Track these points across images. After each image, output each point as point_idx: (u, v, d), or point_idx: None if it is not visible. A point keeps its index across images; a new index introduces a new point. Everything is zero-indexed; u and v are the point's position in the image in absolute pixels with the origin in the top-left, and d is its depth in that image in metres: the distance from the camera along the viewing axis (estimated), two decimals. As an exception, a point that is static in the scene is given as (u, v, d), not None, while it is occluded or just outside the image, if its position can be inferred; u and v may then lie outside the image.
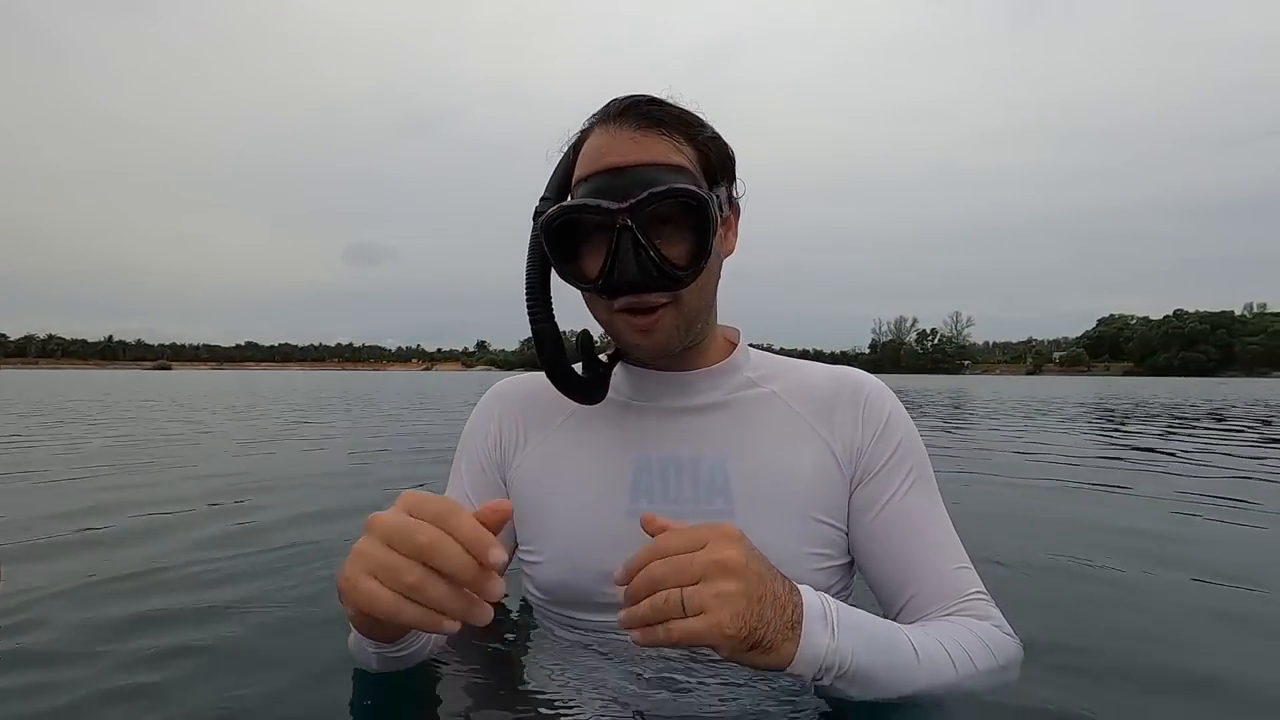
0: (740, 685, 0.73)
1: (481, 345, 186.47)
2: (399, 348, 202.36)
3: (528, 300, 0.78)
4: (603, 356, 0.84)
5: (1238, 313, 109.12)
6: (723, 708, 0.70)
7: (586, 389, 0.80)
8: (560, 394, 0.81)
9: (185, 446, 3.98)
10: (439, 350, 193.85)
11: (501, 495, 0.88)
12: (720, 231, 0.76)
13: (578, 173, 0.75)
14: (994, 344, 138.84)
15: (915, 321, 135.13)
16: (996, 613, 0.75)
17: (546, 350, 0.79)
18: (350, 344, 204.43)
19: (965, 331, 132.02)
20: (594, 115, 0.77)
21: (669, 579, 0.55)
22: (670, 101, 0.75)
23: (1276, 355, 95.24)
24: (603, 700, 0.72)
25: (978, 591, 0.76)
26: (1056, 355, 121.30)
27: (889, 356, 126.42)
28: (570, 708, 0.71)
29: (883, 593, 0.79)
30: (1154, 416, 7.33)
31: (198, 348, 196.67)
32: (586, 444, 0.84)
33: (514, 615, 0.98)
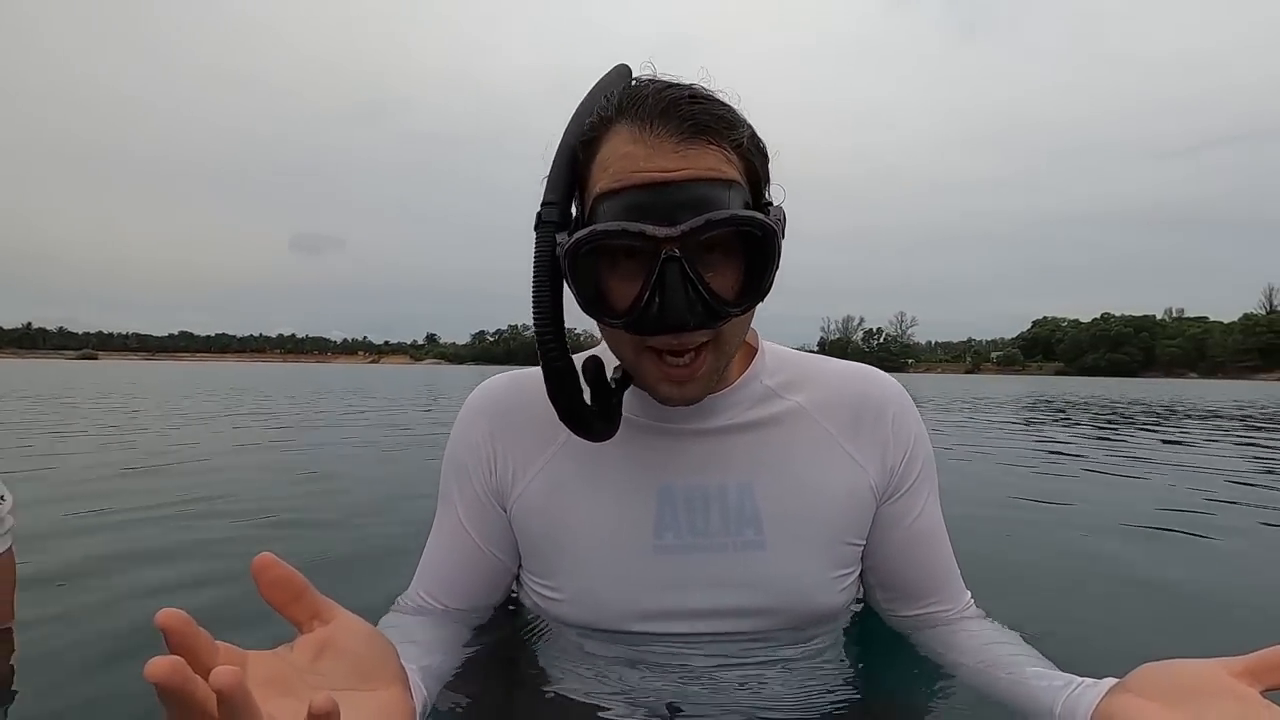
0: (766, 685, 0.73)
1: (431, 338, 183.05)
2: (344, 339, 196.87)
3: (538, 330, 0.64)
4: (611, 379, 0.70)
5: (1159, 317, 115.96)
6: (752, 702, 0.70)
7: (597, 424, 0.68)
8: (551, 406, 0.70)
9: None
10: (386, 343, 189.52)
11: (503, 526, 0.79)
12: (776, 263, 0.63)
13: (603, 183, 0.60)
14: (936, 343, 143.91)
15: (862, 320, 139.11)
16: (975, 606, 0.82)
17: (565, 395, 0.66)
18: (293, 335, 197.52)
19: (909, 331, 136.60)
20: (611, 103, 0.62)
21: None
22: (710, 94, 0.61)
23: (1192, 357, 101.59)
24: (629, 699, 0.70)
25: (967, 593, 0.82)
26: (994, 355, 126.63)
27: (836, 354, 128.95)
28: (598, 706, 0.70)
29: (899, 594, 0.80)
30: (1075, 409, 7.78)
31: (127, 337, 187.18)
32: (600, 471, 0.75)
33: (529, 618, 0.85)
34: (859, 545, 0.78)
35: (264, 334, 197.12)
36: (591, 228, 0.59)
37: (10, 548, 0.83)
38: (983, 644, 0.72)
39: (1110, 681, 0.54)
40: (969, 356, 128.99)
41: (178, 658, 0.29)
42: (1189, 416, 7.65)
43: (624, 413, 0.74)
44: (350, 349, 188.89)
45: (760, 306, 0.65)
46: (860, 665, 0.78)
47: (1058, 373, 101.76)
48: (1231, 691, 0.46)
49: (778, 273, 0.63)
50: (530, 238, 0.64)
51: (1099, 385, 27.52)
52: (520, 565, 0.81)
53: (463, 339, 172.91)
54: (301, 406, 7.23)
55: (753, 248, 0.61)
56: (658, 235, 0.57)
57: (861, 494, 0.76)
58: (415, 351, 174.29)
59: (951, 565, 0.81)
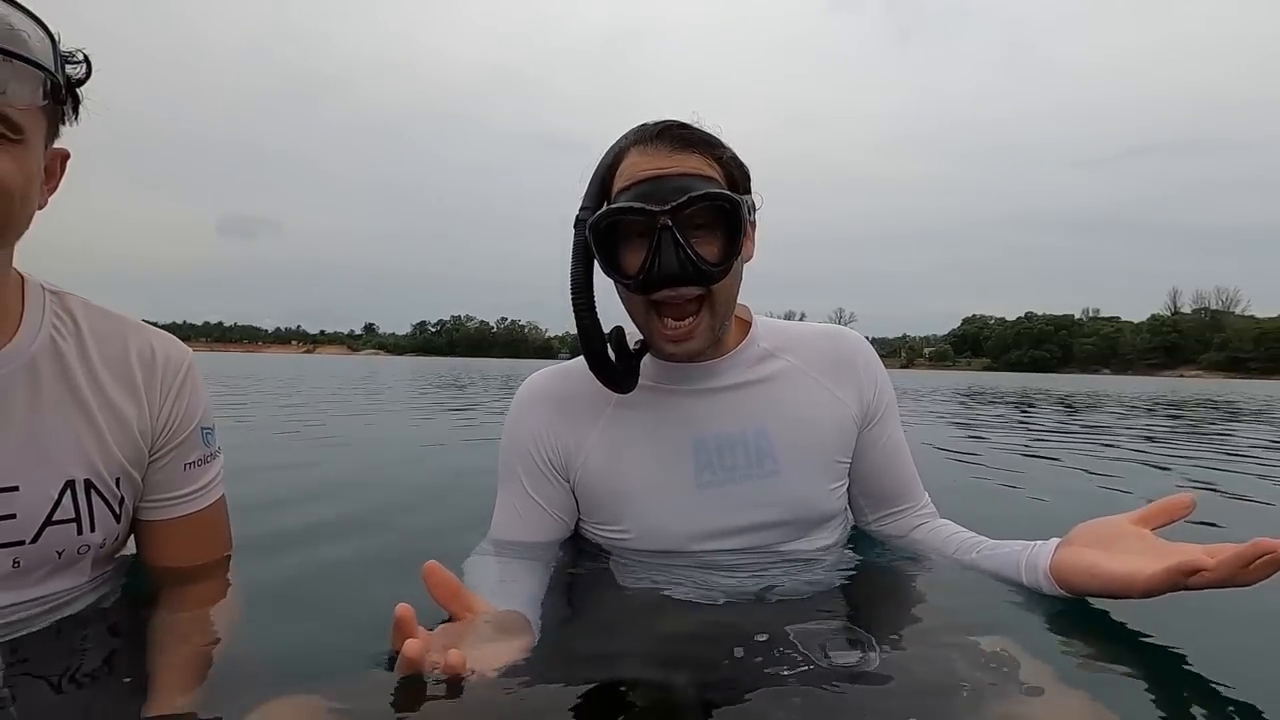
0: (788, 573, 0.94)
1: (370, 328, 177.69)
2: (277, 328, 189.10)
3: (574, 298, 0.89)
4: (632, 347, 0.95)
5: (1077, 316, 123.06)
6: (781, 584, 0.91)
7: (621, 378, 0.93)
8: (594, 388, 0.95)
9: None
10: (322, 332, 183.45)
11: (565, 494, 1.02)
12: (746, 235, 0.88)
13: (619, 184, 0.87)
14: (872, 339, 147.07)
15: (803, 316, 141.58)
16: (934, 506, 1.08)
17: (592, 343, 0.90)
18: (220, 323, 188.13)
19: (848, 326, 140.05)
20: (626, 137, 0.89)
21: None
22: (698, 124, 0.88)
23: (1105, 355, 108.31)
24: (692, 595, 0.87)
25: (926, 496, 1.08)
26: (927, 351, 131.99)
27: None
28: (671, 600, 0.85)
29: (876, 499, 1.06)
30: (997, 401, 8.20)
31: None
32: (642, 432, 0.98)
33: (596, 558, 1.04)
34: (846, 463, 1.02)
35: (188, 322, 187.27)
36: (608, 206, 0.86)
37: (223, 495, 0.95)
38: (950, 534, 1.00)
39: (1055, 540, 0.82)
40: (904, 352, 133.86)
41: (417, 640, 0.57)
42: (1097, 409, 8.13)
43: (653, 383, 0.98)
44: (284, 338, 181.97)
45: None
46: (851, 550, 1.05)
47: (985, 368, 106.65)
48: (1134, 533, 0.75)
49: (752, 253, 0.93)
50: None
51: (1021, 380, 29.01)
52: (580, 520, 1.04)
53: (403, 329, 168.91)
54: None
55: (727, 221, 0.85)
56: (654, 210, 0.81)
57: (846, 424, 1.00)
58: (353, 342, 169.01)
59: (915, 473, 1.07)
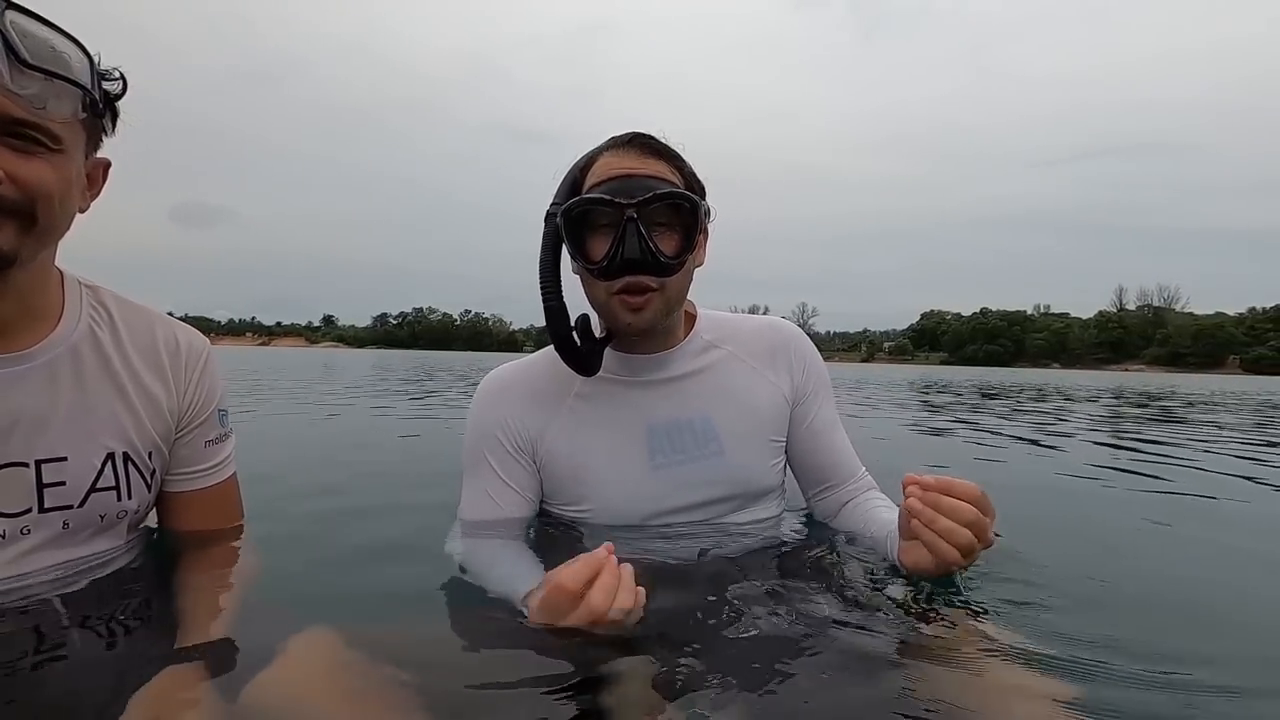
0: (733, 540, 1.07)
1: (329, 320, 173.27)
2: (230, 320, 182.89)
3: (542, 283, 0.98)
4: (597, 334, 1.05)
5: (1029, 312, 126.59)
6: (726, 547, 1.05)
7: (585, 359, 1.02)
8: (556, 377, 1.06)
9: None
10: (279, 324, 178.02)
11: (532, 474, 1.09)
12: (700, 236, 0.99)
13: (590, 181, 0.97)
14: (834, 333, 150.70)
15: (767, 310, 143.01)
16: (872, 480, 1.17)
17: (557, 324, 0.99)
18: (170, 314, 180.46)
19: (810, 321, 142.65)
20: (600, 145, 1.00)
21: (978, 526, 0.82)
22: (662, 140, 1.00)
23: (1055, 350, 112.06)
24: (648, 563, 0.96)
25: (863, 470, 1.17)
26: (886, 345, 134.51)
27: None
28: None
29: (809, 476, 1.17)
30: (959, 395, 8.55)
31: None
32: (601, 418, 1.07)
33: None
34: (782, 441, 1.14)
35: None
36: (579, 196, 0.95)
37: (235, 470, 1.05)
38: (869, 509, 1.10)
39: (895, 528, 0.95)
40: (864, 346, 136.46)
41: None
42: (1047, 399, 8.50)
43: (612, 375, 1.07)
44: (237, 330, 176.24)
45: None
46: (784, 523, 1.19)
47: (942, 362, 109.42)
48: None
49: (703, 259, 1.05)
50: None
51: (977, 373, 30.08)
52: (544, 501, 1.12)
53: (363, 321, 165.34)
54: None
55: (685, 220, 0.96)
56: (622, 203, 0.91)
57: (779, 404, 1.12)
58: (311, 334, 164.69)
59: (847, 449, 1.16)
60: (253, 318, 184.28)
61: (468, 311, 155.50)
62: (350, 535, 1.33)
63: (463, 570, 0.98)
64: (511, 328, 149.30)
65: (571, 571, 0.73)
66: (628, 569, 0.76)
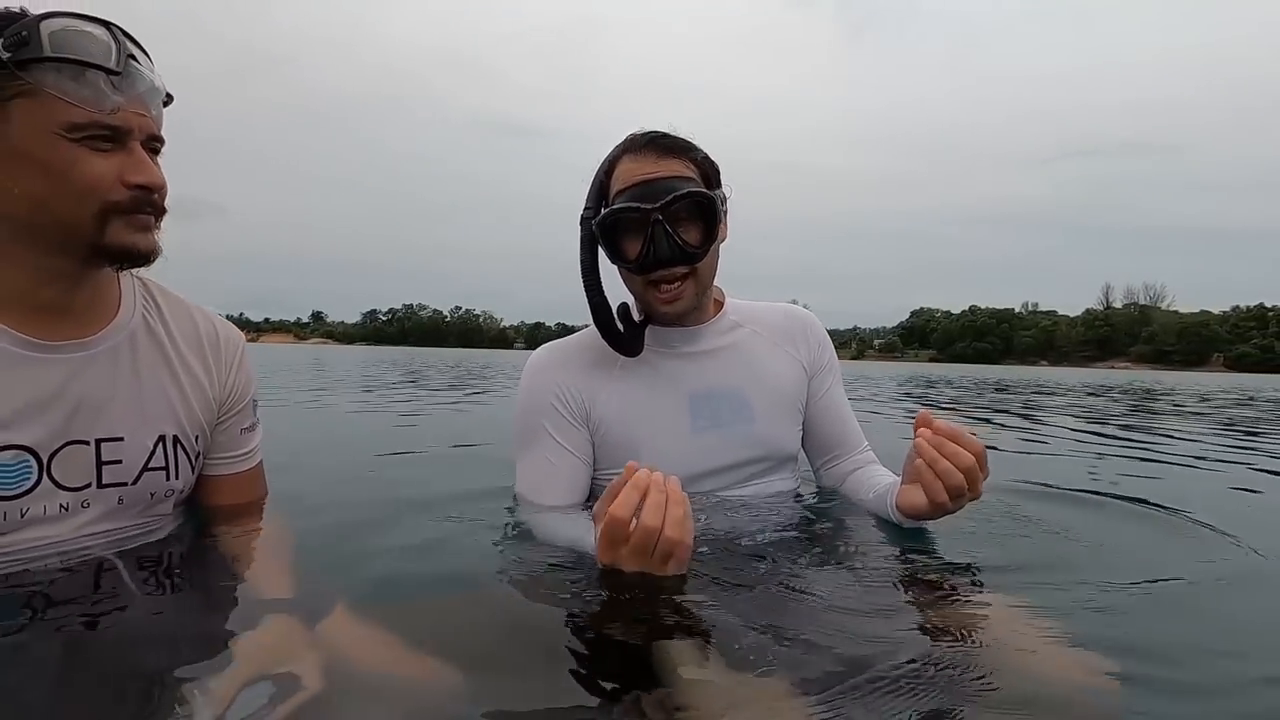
0: (761, 498, 1.19)
1: (318, 316, 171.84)
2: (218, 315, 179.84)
3: (585, 280, 1.11)
4: (636, 319, 1.16)
5: (1017, 310, 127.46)
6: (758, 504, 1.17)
7: (629, 343, 1.13)
8: (598, 350, 1.16)
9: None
10: (267, 320, 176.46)
11: (586, 440, 1.17)
12: (721, 220, 1.09)
13: (616, 187, 1.07)
14: (826, 330, 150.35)
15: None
16: (874, 454, 1.28)
17: (602, 316, 1.11)
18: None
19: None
20: (619, 147, 1.10)
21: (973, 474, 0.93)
22: (674, 133, 1.09)
23: (1043, 347, 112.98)
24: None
25: (867, 444, 1.29)
26: (876, 343, 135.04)
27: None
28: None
29: (820, 445, 1.29)
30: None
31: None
32: (647, 387, 1.17)
33: None
34: (801, 411, 1.26)
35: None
36: (610, 207, 1.07)
37: (260, 462, 1.11)
38: (869, 477, 1.20)
39: (897, 480, 1.07)
40: (855, 344, 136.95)
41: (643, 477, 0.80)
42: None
43: (654, 348, 1.17)
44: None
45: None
46: (801, 489, 1.30)
47: (931, 359, 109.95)
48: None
49: (726, 235, 1.13)
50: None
51: (966, 370, 30.18)
52: (595, 470, 1.19)
53: (352, 318, 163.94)
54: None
55: (704, 213, 1.07)
56: (647, 208, 1.03)
57: (799, 377, 1.24)
58: (300, 330, 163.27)
59: (854, 424, 1.29)
60: (241, 314, 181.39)
61: (458, 308, 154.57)
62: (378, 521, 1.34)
63: (533, 537, 1.05)
64: (503, 324, 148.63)
65: (621, 498, 0.78)
66: (674, 480, 0.80)
